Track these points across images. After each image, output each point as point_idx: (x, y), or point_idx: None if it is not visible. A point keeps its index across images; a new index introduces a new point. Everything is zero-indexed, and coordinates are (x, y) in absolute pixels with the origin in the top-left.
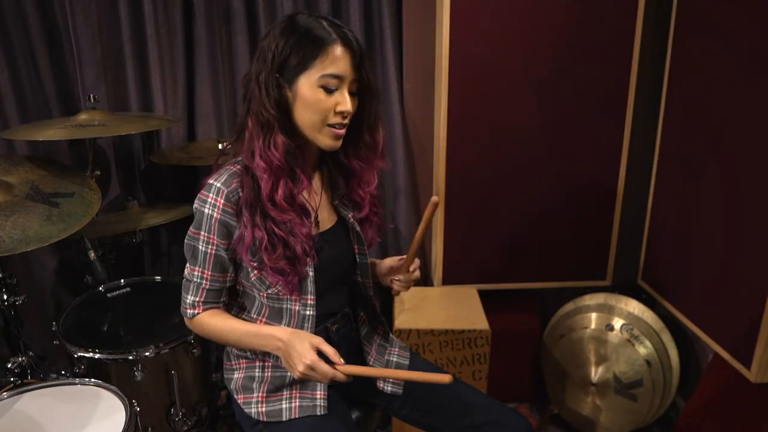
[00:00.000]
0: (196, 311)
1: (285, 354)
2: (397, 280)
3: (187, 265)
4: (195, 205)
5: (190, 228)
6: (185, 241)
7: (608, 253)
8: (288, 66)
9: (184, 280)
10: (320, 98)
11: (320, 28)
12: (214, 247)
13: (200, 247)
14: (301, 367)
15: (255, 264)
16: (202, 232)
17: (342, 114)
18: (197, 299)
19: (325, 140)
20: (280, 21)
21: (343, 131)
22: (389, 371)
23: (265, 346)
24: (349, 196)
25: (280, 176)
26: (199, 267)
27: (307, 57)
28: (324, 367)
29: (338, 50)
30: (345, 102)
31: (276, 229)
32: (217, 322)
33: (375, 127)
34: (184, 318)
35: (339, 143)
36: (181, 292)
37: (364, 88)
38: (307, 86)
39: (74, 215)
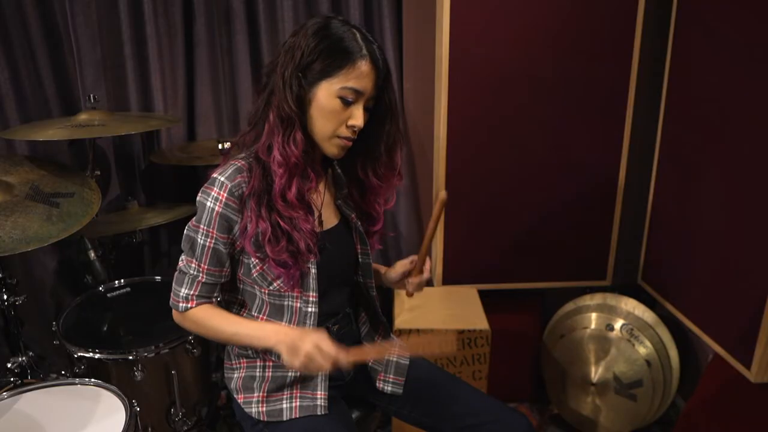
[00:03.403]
0: (189, 305)
1: (288, 341)
2: (410, 282)
3: (183, 257)
4: (198, 198)
5: (192, 220)
6: (185, 232)
7: (608, 253)
8: (312, 69)
9: (178, 272)
10: (336, 108)
11: (352, 40)
12: (213, 241)
13: (199, 239)
14: (308, 345)
15: (259, 256)
16: (202, 225)
17: (352, 128)
18: (191, 292)
19: (332, 149)
20: (315, 21)
21: (349, 144)
22: (389, 348)
23: (264, 338)
24: (365, 209)
25: (295, 173)
26: (196, 260)
27: (332, 66)
28: (330, 347)
29: (364, 66)
30: (358, 117)
31: (281, 222)
32: (213, 316)
33: (394, 147)
34: (174, 312)
35: (343, 154)
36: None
37: (383, 108)
38: (325, 93)
39: (74, 215)
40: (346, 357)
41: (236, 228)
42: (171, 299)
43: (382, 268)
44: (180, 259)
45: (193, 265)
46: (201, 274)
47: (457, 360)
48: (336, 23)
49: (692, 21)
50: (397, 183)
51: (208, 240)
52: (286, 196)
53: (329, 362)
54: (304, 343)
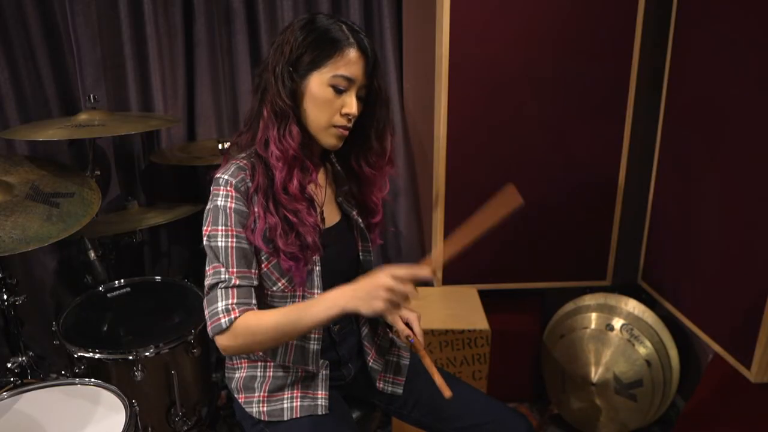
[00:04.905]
0: (233, 315)
1: (359, 293)
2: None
3: (209, 270)
4: (208, 206)
5: (205, 229)
6: (204, 243)
7: (608, 253)
8: (302, 62)
9: (207, 294)
10: (328, 97)
11: (338, 31)
12: (235, 239)
13: (220, 243)
14: (382, 281)
15: (269, 250)
16: (220, 227)
17: (347, 116)
18: (230, 302)
19: (329, 140)
20: (301, 18)
21: (346, 132)
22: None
23: (332, 307)
24: (363, 201)
25: (294, 166)
26: (223, 264)
27: (321, 56)
28: (400, 271)
29: (352, 54)
30: (351, 105)
31: (289, 216)
32: (262, 315)
33: (383, 134)
34: (219, 339)
35: (341, 143)
36: (179, 294)
37: (373, 96)
38: (317, 83)
39: (74, 215)
40: (422, 270)
41: (248, 222)
42: (209, 326)
43: None
44: (206, 276)
45: (222, 270)
46: (233, 278)
47: (457, 360)
48: (321, 17)
49: (692, 21)
50: (390, 171)
51: (230, 239)
52: (288, 188)
53: (408, 284)
54: (376, 283)
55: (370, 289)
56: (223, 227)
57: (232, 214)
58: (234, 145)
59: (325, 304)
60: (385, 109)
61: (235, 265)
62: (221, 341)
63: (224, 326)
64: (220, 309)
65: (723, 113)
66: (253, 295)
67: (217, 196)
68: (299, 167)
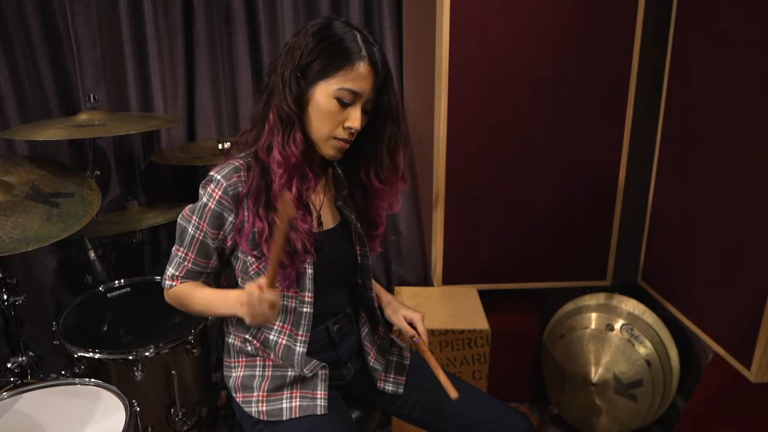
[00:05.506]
0: (174, 283)
1: (244, 303)
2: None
3: (174, 247)
4: (199, 190)
5: (186, 208)
6: (178, 219)
7: (608, 253)
8: (311, 69)
9: (172, 253)
10: (332, 109)
11: (351, 41)
12: (202, 234)
13: (190, 229)
14: (244, 296)
15: (255, 254)
16: (195, 217)
17: (349, 130)
18: (177, 273)
19: (328, 150)
20: (316, 22)
21: (346, 145)
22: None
23: (230, 308)
24: (368, 213)
25: (294, 174)
26: (184, 248)
27: (331, 66)
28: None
29: (362, 68)
30: (355, 119)
31: (278, 222)
32: (188, 288)
33: (396, 150)
34: (164, 291)
35: (340, 155)
36: None
37: (383, 112)
38: (323, 94)
39: (74, 215)
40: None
41: (227, 225)
42: (163, 274)
43: (386, 297)
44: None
45: (181, 254)
46: (187, 262)
47: (457, 360)
48: (338, 24)
49: (692, 21)
50: (402, 187)
51: (198, 232)
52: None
53: (264, 298)
54: (243, 298)
55: (247, 299)
56: (197, 219)
57: (209, 214)
58: (235, 144)
59: (226, 304)
60: (395, 126)
61: (194, 254)
62: (165, 293)
63: (166, 287)
64: (169, 273)
65: (723, 113)
66: (203, 276)
67: (205, 191)
68: (299, 175)
